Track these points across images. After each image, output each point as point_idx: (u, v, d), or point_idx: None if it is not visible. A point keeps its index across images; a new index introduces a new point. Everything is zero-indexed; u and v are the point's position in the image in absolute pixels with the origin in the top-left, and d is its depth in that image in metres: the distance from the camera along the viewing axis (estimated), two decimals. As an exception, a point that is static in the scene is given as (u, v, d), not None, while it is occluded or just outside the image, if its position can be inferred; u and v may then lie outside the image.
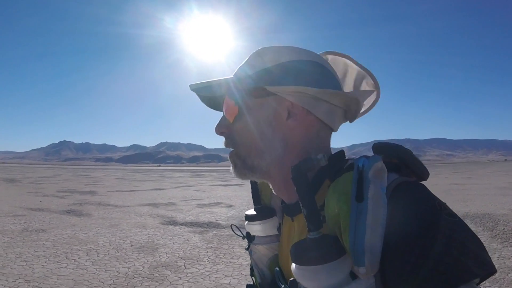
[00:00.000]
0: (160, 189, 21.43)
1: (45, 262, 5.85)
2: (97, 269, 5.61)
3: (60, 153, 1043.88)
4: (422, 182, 0.64)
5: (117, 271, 5.55)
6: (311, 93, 0.69)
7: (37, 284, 4.86)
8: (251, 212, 0.90)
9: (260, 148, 0.72)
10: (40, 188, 20.47)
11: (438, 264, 0.51)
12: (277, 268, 0.78)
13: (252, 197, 0.91)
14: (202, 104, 0.82)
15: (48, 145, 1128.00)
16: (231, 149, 0.77)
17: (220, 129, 0.76)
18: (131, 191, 19.92)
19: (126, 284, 5.04)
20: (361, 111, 0.81)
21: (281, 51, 0.73)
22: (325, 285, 0.53)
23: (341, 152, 0.74)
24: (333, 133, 0.77)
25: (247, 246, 0.90)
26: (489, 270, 0.55)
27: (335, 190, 0.57)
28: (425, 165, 0.65)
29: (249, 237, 0.89)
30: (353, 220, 0.52)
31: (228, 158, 0.77)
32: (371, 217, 0.52)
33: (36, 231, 8.21)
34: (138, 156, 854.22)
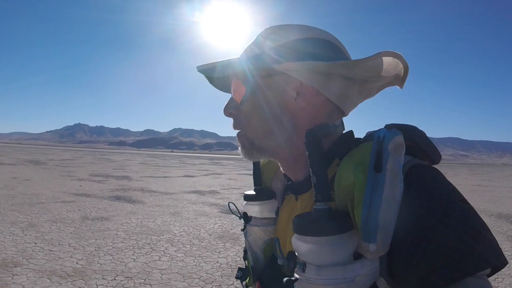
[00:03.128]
0: (191, 176, 21.00)
1: (133, 255, 5.30)
2: (195, 261, 5.24)
3: (75, 135, 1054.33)
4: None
5: (217, 262, 5.24)
6: (321, 68, 0.64)
7: (142, 281, 4.32)
8: (251, 192, 0.87)
9: (268, 129, 0.70)
10: (70, 171, 20.01)
11: (453, 251, 0.49)
12: (277, 237, 0.76)
13: (253, 177, 0.88)
14: (215, 90, 0.81)
15: (63, 127, 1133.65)
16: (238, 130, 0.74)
17: (228, 110, 0.74)
18: (164, 177, 19.44)
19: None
20: (386, 81, 0.73)
21: (289, 29, 0.70)
22: (326, 261, 0.50)
23: (350, 132, 0.71)
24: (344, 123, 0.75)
25: (242, 227, 0.88)
26: (502, 260, 0.52)
27: (352, 159, 0.54)
28: (440, 164, 0.64)
29: (246, 218, 0.86)
30: (369, 192, 0.49)
31: (236, 138, 0.74)
32: (388, 191, 0.49)
33: (97, 219, 7.65)
34: (151, 141, 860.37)
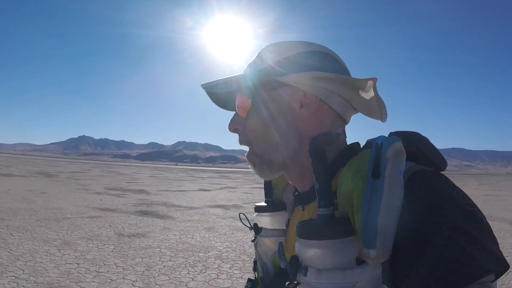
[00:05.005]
0: (207, 190, 20.70)
1: (188, 273, 5.03)
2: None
3: (79, 147, 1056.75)
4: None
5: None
6: (327, 77, 0.67)
7: (210, 304, 4.02)
8: (262, 203, 0.88)
9: (275, 141, 0.70)
10: (84, 184, 19.72)
11: (452, 258, 0.49)
12: (280, 241, 0.71)
13: (264, 189, 0.90)
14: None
15: (67, 139, 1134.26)
16: (247, 147, 0.75)
17: (234, 125, 0.75)
18: (181, 191, 19.16)
19: None
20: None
21: (290, 44, 0.72)
22: (327, 264, 0.50)
23: (357, 143, 0.72)
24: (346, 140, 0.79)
25: (253, 238, 0.89)
26: (503, 265, 0.51)
27: (350, 167, 0.54)
28: (446, 175, 0.63)
29: (256, 229, 0.88)
30: (367, 198, 0.49)
31: (246, 159, 0.75)
32: (387, 196, 0.49)
33: (134, 236, 7.37)
34: (155, 154, 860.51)
